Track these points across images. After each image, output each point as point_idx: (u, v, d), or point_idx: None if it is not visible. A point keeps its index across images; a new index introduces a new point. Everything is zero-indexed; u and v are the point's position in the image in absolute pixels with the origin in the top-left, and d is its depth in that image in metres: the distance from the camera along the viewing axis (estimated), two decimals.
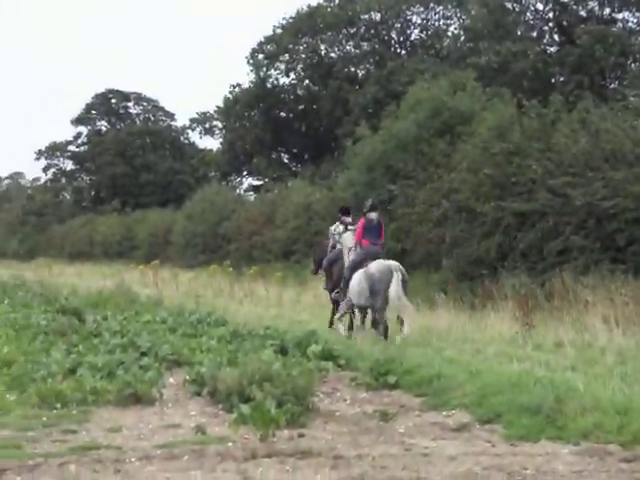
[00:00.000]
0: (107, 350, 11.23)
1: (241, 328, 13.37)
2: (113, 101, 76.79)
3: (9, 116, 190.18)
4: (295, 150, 52.01)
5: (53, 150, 77.88)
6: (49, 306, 18.08)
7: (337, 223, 14.78)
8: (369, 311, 13.03)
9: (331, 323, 14.43)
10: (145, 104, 77.26)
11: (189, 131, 73.55)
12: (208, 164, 59.63)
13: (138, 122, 76.35)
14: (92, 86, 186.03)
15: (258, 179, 52.80)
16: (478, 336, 12.72)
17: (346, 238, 13.93)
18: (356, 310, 13.42)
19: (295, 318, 16.34)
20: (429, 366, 9.65)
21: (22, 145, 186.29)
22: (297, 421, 7.51)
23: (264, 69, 48.29)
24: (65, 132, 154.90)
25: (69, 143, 77.69)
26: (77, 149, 77.47)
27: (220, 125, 59.96)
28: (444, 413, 8.13)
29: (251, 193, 51.72)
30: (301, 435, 7.18)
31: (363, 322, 13.39)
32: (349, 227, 14.06)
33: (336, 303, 14.16)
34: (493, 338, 12.45)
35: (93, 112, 76.53)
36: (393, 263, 12.61)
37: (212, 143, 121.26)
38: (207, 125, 67.22)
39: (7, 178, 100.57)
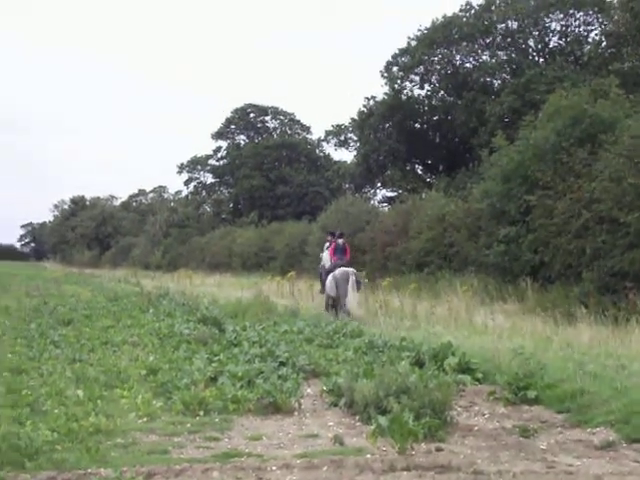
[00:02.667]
0: (247, 359, 11.42)
1: (377, 339, 13.32)
2: (251, 115, 78.61)
3: (154, 133, 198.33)
4: (429, 161, 51.69)
5: (194, 164, 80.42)
6: (191, 316, 18.60)
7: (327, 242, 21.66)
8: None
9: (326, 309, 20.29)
10: (282, 118, 78.75)
11: (324, 143, 74.50)
12: (342, 176, 60.08)
13: (275, 135, 77.84)
14: (232, 101, 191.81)
15: (392, 190, 52.77)
16: (622, 351, 12.20)
17: (324, 257, 21.33)
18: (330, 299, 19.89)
19: (430, 330, 16.14)
20: (571, 381, 9.34)
21: (166, 160, 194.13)
22: (435, 435, 7.43)
23: (398, 81, 48.29)
24: (205, 146, 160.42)
25: (209, 157, 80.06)
26: (217, 163, 79.74)
27: (355, 137, 60.32)
28: (588, 430, 7.85)
29: (385, 204, 51.78)
30: (439, 449, 7.09)
31: (334, 306, 19.57)
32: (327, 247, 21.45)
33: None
34: (639, 354, 11.92)
35: (232, 126, 78.61)
36: (350, 269, 19.40)
37: (346, 155, 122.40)
38: (342, 137, 67.86)
39: (151, 192, 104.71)
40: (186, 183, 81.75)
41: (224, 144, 79.38)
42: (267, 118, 79.36)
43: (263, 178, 70.64)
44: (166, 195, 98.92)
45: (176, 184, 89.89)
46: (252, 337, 14.07)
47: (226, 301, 23.89)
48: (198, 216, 75.66)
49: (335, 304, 19.59)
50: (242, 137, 79.64)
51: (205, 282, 41.28)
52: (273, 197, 69.35)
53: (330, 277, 19.59)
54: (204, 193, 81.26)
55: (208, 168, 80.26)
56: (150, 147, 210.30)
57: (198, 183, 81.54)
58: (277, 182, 70.02)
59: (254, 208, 67.69)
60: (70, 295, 28.95)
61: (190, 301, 23.59)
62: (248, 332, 15.10)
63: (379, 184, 54.91)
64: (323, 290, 20.88)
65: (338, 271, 19.31)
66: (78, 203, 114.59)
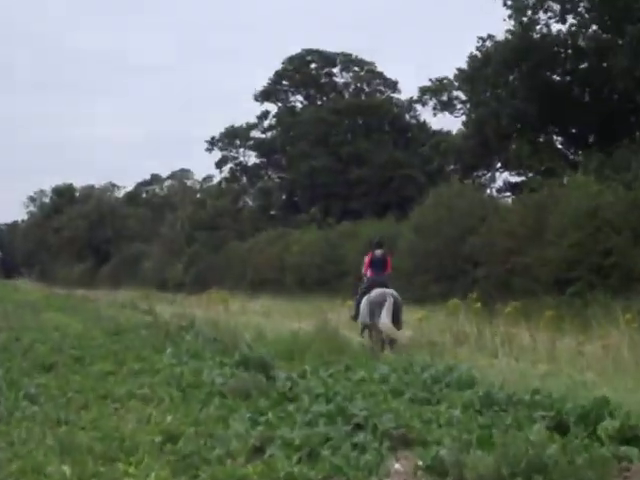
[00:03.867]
0: (307, 421, 11.43)
1: (497, 392, 13.22)
2: (312, 66, 78.62)
3: (172, 93, 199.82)
4: (574, 130, 51.17)
5: (230, 137, 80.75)
6: (226, 357, 18.69)
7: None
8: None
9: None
10: (356, 69, 78.66)
11: (418, 106, 74.15)
12: (445, 153, 59.83)
13: (346, 95, 77.78)
14: (283, 47, 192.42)
15: (518, 173, 52.43)
16: None
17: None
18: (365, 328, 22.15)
19: (577, 378, 15.98)
20: None
21: (189, 132, 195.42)
22: None
23: (529, 12, 47.88)
24: (246, 112, 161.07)
25: (252, 127, 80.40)
26: (262, 135, 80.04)
27: (463, 96, 59.99)
28: None
29: (508, 194, 51.47)
30: None
31: (381, 340, 21.21)
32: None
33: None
34: None
35: (284, 83, 78.77)
36: (388, 291, 21.05)
37: (451, 122, 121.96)
38: (444, 97, 67.48)
39: (169, 178, 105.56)
40: (219, 165, 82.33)
41: (273, 108, 79.75)
42: (335, 70, 79.42)
43: (329, 157, 70.71)
44: (190, 182, 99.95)
45: (204, 166, 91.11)
46: (314, 388, 14.09)
47: (277, 336, 23.99)
48: (236, 212, 76.05)
49: (374, 334, 21.42)
50: (298, 98, 80.00)
51: (247, 308, 41.50)
52: (344, 184, 69.33)
53: (365, 300, 21.54)
54: (245, 179, 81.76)
55: (250, 143, 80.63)
56: (166, 113, 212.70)
57: (236, 165, 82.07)
58: (350, 162, 70.03)
59: (316, 201, 67.88)
60: (53, 327, 29.37)
61: (225, 336, 23.75)
62: (309, 381, 15.14)
63: (499, 164, 54.56)
64: (356, 316, 22.51)
65: (373, 292, 21.22)
66: (64, 195, 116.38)
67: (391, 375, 15.56)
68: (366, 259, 23.11)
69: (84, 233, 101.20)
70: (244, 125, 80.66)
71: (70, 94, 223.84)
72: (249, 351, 18.34)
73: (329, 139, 71.70)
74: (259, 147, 79.66)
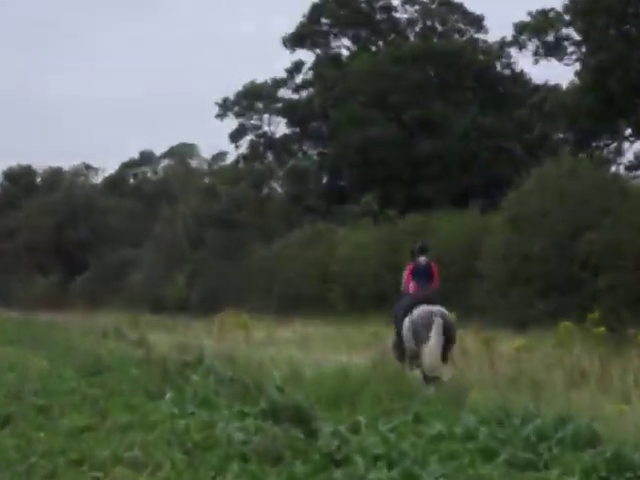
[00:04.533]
0: None
1: (630, 451, 13.17)
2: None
3: (166, 42, 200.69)
4: None
5: (250, 99, 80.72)
6: (248, 404, 18.75)
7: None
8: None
9: None
10: (425, 1, 78.47)
11: (512, 51, 73.91)
12: (551, 116, 59.69)
13: (412, 37, 77.66)
14: None
15: None
16: None
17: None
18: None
19: None
20: None
21: (191, 94, 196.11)
22: None
23: None
24: (273, 63, 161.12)
25: (279, 84, 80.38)
26: (295, 95, 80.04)
27: (576, 36, 59.87)
28: None
29: None
30: None
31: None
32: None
33: None
34: None
35: (324, 22, 78.62)
36: (434, 308, 22.31)
37: (560, 73, 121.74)
38: (549, 37, 67.30)
39: (165, 156, 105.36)
40: (234, 138, 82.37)
41: (309, 57, 79.61)
42: (395, 2, 79.28)
43: (389, 124, 70.55)
44: (195, 163, 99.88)
45: (214, 140, 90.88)
46: (372, 447, 14.11)
47: (318, 374, 24.05)
48: (259, 203, 75.99)
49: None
50: (344, 42, 79.93)
51: (275, 336, 41.60)
52: (409, 162, 69.19)
53: (407, 321, 22.88)
54: (270, 156, 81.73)
55: (278, 106, 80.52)
56: (160, 65, 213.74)
57: (258, 137, 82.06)
58: (417, 131, 69.92)
59: (371, 185, 67.70)
60: (7, 366, 29.59)
61: (246, 375, 23.81)
62: (364, 437, 15.16)
63: (628, 130, 54.40)
64: (399, 341, 23.51)
65: (417, 312, 22.58)
66: (19, 181, 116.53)
67: (479, 429, 15.54)
68: (407, 270, 24.56)
69: (49, 235, 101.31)
70: (269, 81, 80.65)
71: (28, 41, 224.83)
72: (279, 396, 18.38)
73: (388, 99, 71.44)
74: (290, 112, 79.51)
